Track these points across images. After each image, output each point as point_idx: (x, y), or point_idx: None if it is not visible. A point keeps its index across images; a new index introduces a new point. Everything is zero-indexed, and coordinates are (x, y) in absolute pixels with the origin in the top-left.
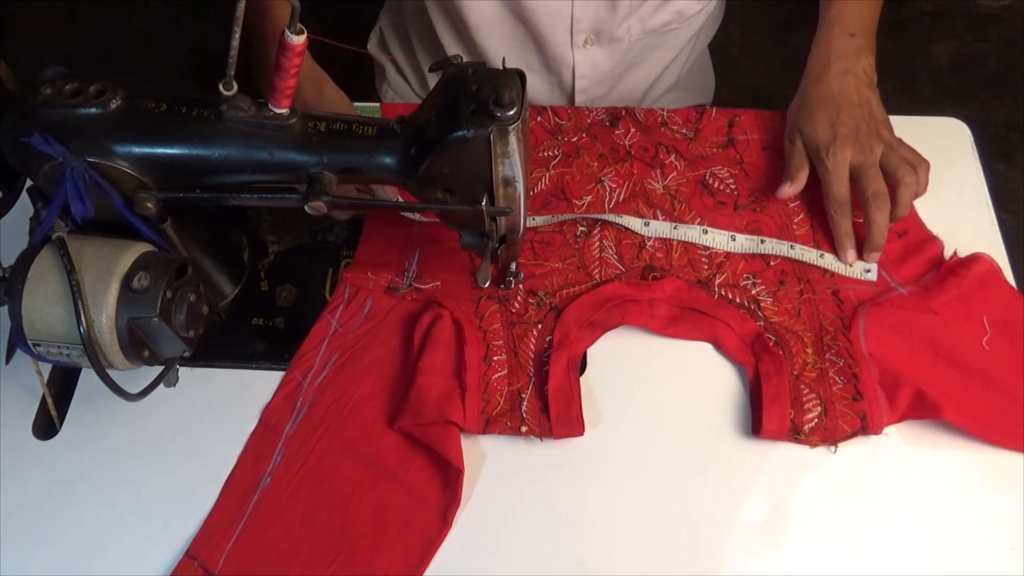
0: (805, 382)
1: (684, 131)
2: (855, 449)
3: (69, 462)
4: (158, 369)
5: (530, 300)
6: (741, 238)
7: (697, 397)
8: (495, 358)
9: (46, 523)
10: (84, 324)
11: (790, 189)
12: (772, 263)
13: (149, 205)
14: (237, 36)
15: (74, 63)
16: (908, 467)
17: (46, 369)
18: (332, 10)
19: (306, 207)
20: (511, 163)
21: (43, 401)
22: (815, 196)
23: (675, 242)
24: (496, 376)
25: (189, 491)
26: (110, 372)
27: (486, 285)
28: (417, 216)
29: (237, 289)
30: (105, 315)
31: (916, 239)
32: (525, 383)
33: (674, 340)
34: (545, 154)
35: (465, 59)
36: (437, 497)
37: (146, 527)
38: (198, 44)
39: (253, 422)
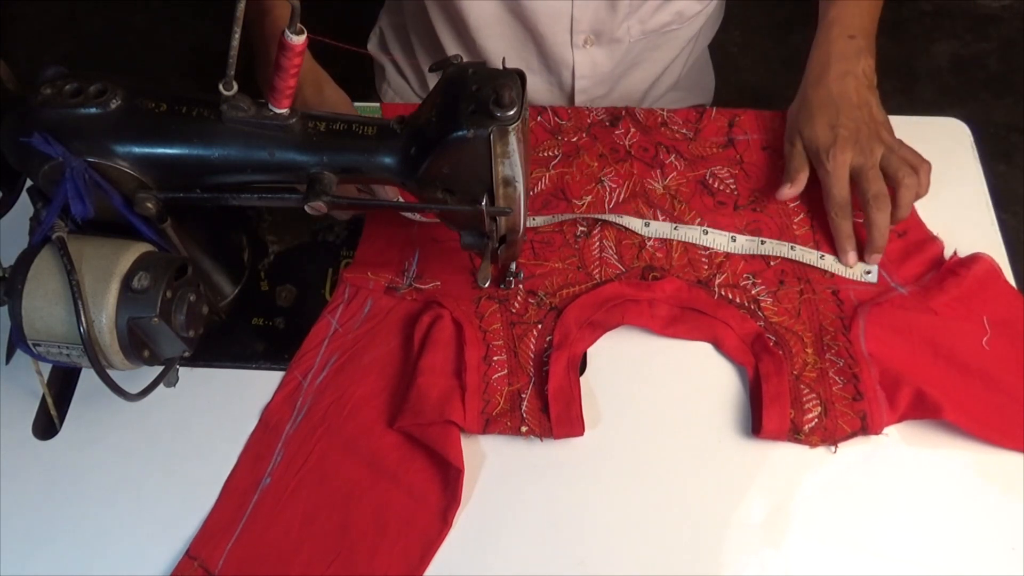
0: (805, 382)
1: (684, 131)
2: (855, 449)
3: (69, 462)
4: (158, 369)
5: (530, 300)
6: (742, 239)
7: (697, 397)
8: (495, 358)
9: (46, 523)
10: (84, 324)
11: (790, 191)
12: (772, 263)
13: (149, 205)
14: (237, 36)
15: (74, 63)
16: (908, 467)
17: (46, 369)
18: (332, 10)
19: (306, 207)
20: (511, 163)
21: (43, 401)
22: (815, 196)
23: (675, 242)
24: (496, 376)
25: (189, 491)
26: (110, 372)
27: (486, 285)
28: (417, 216)
29: (237, 289)
30: (105, 315)
31: (916, 239)
32: (525, 383)
33: (674, 340)
34: (545, 154)
35: (465, 59)
36: (437, 497)
37: (146, 527)
38: (198, 44)
39: (253, 422)
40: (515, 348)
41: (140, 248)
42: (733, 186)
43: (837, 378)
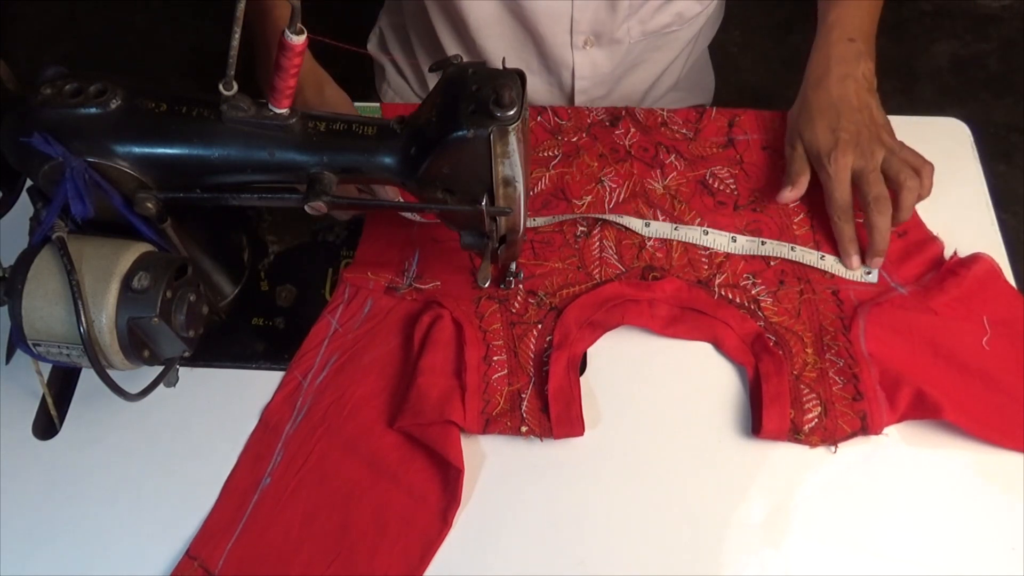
0: (805, 382)
1: (684, 131)
2: (855, 449)
3: (69, 462)
4: (158, 369)
5: (530, 300)
6: (742, 239)
7: (697, 397)
8: (495, 358)
9: (46, 523)
10: (84, 324)
11: (791, 194)
12: (772, 263)
13: (149, 205)
14: (237, 36)
15: (74, 63)
16: (908, 467)
17: (46, 369)
18: (332, 10)
19: (306, 207)
20: (511, 163)
21: (43, 401)
22: (815, 196)
23: (675, 242)
24: (496, 376)
25: (189, 491)
26: (110, 372)
27: (486, 285)
28: (416, 217)
29: (237, 289)
30: (105, 315)
31: (916, 239)
32: (525, 383)
33: (674, 340)
34: (545, 154)
35: (465, 59)
36: (437, 497)
37: (146, 527)
38: (198, 44)
39: (253, 422)
40: (515, 348)
41: (140, 248)
42: (733, 186)
43: (837, 378)
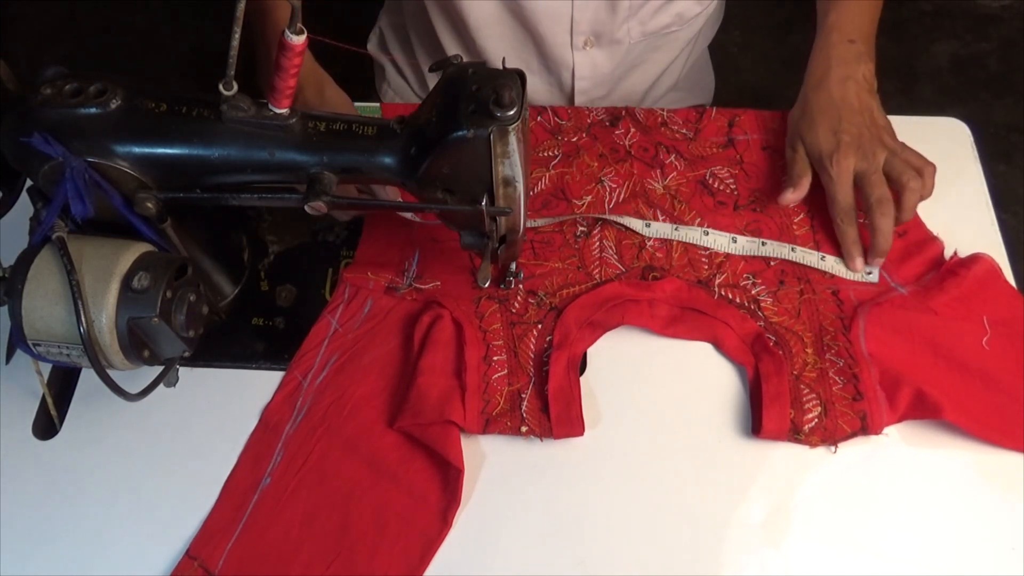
0: (805, 382)
1: (684, 131)
2: (855, 449)
3: (69, 462)
4: (158, 369)
5: (530, 300)
6: (742, 240)
7: (697, 397)
8: (495, 358)
9: (46, 523)
10: (84, 324)
11: (793, 196)
12: (772, 263)
13: (149, 205)
14: (237, 36)
15: (74, 63)
16: (908, 467)
17: (46, 369)
18: (332, 10)
19: (306, 207)
20: (511, 163)
21: (43, 401)
22: (815, 197)
23: (675, 242)
24: (496, 376)
25: (189, 491)
26: (110, 372)
27: (486, 285)
28: (416, 217)
29: (237, 289)
30: (105, 315)
31: (916, 239)
32: (525, 383)
33: (674, 340)
34: (545, 154)
35: (465, 59)
36: (437, 497)
37: (146, 527)
38: (198, 44)
39: (253, 422)
40: (515, 348)
41: (140, 248)
42: (733, 186)
43: (837, 378)
